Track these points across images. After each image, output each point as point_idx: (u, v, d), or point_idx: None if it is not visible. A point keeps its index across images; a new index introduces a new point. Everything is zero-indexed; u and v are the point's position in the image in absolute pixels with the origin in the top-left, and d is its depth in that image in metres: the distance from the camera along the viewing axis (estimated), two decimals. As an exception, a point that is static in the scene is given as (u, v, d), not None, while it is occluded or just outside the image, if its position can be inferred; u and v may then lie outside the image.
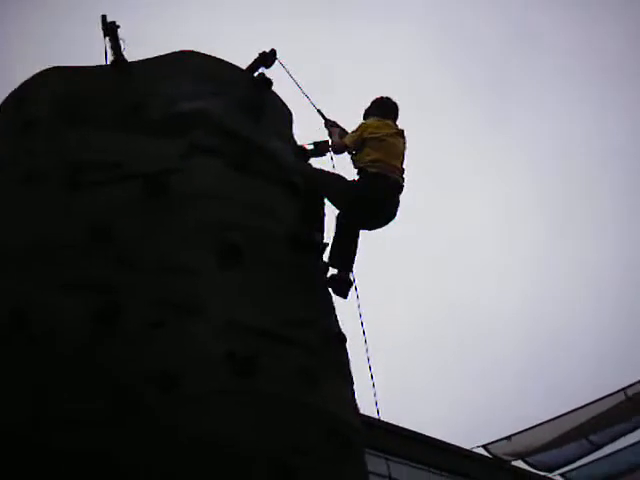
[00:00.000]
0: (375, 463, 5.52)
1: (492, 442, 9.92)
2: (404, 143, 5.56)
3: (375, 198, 5.13)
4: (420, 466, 7.72)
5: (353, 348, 4.54)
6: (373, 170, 5.16)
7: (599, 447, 10.68)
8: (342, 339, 4.22)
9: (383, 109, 5.68)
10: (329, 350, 3.98)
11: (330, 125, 5.75)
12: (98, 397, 3.31)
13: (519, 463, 10.55)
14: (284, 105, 5.12)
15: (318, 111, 5.72)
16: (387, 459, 6.40)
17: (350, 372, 4.20)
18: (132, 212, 3.89)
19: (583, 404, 9.87)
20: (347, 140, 5.45)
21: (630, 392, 9.64)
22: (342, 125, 5.70)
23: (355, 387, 4.26)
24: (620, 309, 24.95)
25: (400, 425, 7.89)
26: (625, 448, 10.93)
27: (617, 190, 25.88)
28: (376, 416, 5.29)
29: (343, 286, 4.78)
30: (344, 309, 4.63)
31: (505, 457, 10.13)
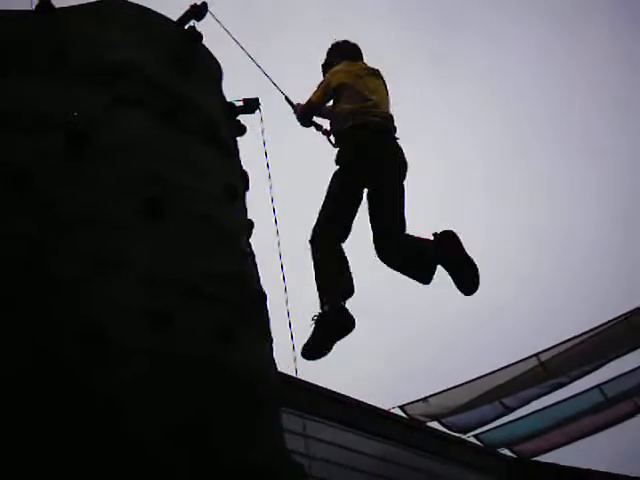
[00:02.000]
0: (291, 421, 5.56)
1: (409, 403, 10.11)
2: (384, 83, 4.78)
3: (363, 157, 4.36)
4: (337, 425, 7.79)
5: (274, 305, 4.55)
6: (350, 123, 4.44)
7: (512, 410, 10.97)
8: (262, 296, 4.23)
9: (345, 52, 4.95)
10: (249, 307, 3.99)
11: (298, 110, 4.95)
12: (17, 352, 3.26)
13: (435, 425, 10.79)
14: (214, 60, 5.04)
15: (285, 98, 5.08)
16: (304, 417, 6.44)
17: (269, 330, 4.22)
18: (54, 163, 3.78)
19: (497, 368, 10.13)
20: (313, 96, 4.69)
21: (543, 357, 9.91)
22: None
23: (274, 345, 4.30)
24: (537, 276, 25.49)
25: (318, 384, 7.94)
26: (536, 412, 11.26)
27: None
28: (294, 374, 5.31)
29: (346, 320, 4.21)
30: (265, 265, 4.61)
31: (421, 418, 10.34)
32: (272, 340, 4.21)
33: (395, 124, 4.62)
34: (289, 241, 5.15)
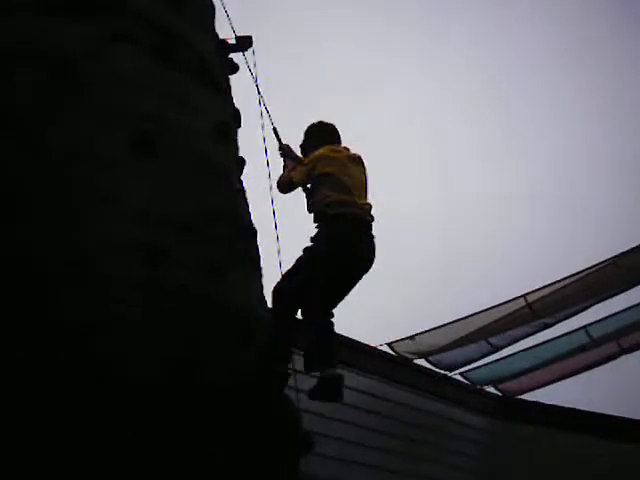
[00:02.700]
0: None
1: (396, 341, 10.20)
2: (364, 171, 4.74)
3: (343, 253, 4.32)
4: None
5: (264, 241, 4.61)
6: (331, 212, 4.38)
7: (498, 349, 11.08)
8: (253, 232, 4.28)
9: (324, 136, 4.86)
10: (239, 243, 4.05)
11: (284, 152, 4.93)
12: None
13: (422, 362, 10.91)
14: (207, -4, 5.01)
15: (274, 130, 5.06)
16: (292, 352, 6.51)
17: (260, 265, 4.29)
18: (43, 98, 3.80)
19: (485, 308, 10.20)
20: (294, 174, 4.60)
21: (530, 298, 9.98)
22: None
23: (264, 281, 4.36)
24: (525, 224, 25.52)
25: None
26: (522, 351, 11.39)
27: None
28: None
29: (334, 386, 4.22)
30: (256, 201, 4.64)
31: (408, 355, 10.44)
32: (262, 276, 4.28)
33: (372, 215, 4.61)
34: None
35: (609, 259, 9.83)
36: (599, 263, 9.86)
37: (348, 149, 4.78)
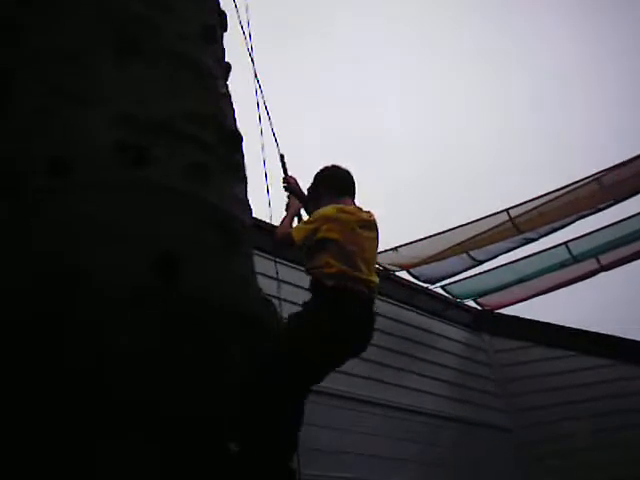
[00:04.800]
0: (264, 265, 5.66)
1: (379, 252, 10.23)
2: (376, 238, 4.16)
3: (338, 334, 3.77)
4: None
5: (251, 148, 4.55)
6: (329, 283, 3.80)
7: (479, 263, 11.19)
8: (238, 138, 4.23)
9: (337, 185, 4.24)
10: (224, 148, 4.01)
11: (289, 186, 4.45)
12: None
13: (404, 275, 11.01)
14: None
15: (280, 157, 4.59)
16: (276, 262, 6.52)
17: (244, 171, 4.25)
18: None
19: (468, 221, 10.25)
20: (296, 233, 4.00)
21: (513, 213, 10.03)
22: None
23: (249, 189, 4.33)
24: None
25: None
26: (503, 265, 11.51)
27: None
28: (268, 221, 5.37)
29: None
30: (243, 109, 4.58)
31: (390, 267, 10.52)
32: (247, 182, 4.25)
33: (375, 291, 4.05)
34: (268, 88, 5.07)
35: (593, 175, 9.85)
36: (583, 179, 9.89)
37: (361, 209, 4.15)
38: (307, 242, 3.95)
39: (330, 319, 3.76)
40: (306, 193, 4.47)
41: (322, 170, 4.36)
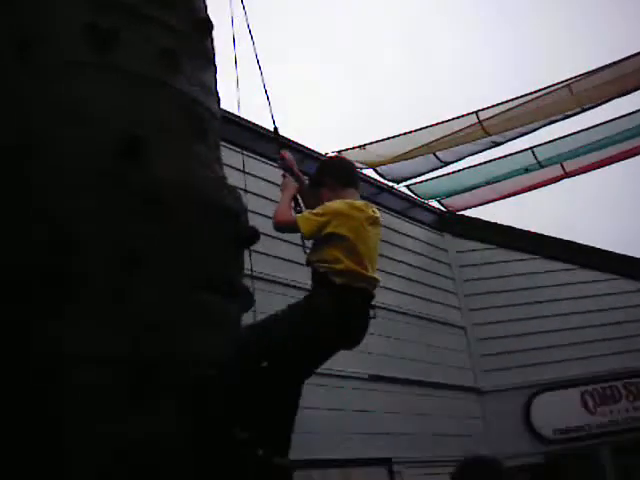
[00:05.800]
0: (230, 156, 5.68)
1: (346, 149, 10.20)
2: (379, 235, 4.10)
3: (342, 327, 3.79)
4: (274, 163, 7.96)
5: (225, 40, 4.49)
6: (338, 280, 3.76)
7: (446, 164, 11.27)
8: (209, 26, 4.17)
9: (342, 176, 4.12)
10: (193, 35, 3.97)
11: (283, 163, 4.29)
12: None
13: (370, 173, 11.06)
14: None
15: (274, 130, 4.43)
16: (243, 154, 6.57)
17: (214, 60, 4.20)
18: None
19: (436, 122, 10.26)
20: (303, 223, 3.86)
21: (482, 116, 10.04)
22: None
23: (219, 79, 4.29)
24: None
25: (259, 124, 7.95)
26: (469, 167, 11.62)
27: None
28: (236, 112, 5.34)
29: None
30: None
31: (357, 165, 10.52)
32: (216, 70, 4.22)
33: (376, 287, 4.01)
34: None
35: (564, 81, 9.87)
36: (554, 84, 9.91)
37: (368, 206, 4.06)
38: (314, 235, 3.88)
39: (335, 312, 3.75)
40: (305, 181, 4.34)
41: (328, 160, 4.34)
